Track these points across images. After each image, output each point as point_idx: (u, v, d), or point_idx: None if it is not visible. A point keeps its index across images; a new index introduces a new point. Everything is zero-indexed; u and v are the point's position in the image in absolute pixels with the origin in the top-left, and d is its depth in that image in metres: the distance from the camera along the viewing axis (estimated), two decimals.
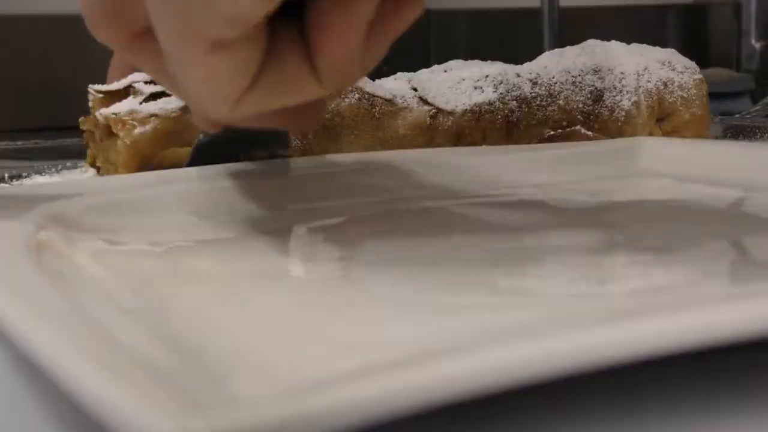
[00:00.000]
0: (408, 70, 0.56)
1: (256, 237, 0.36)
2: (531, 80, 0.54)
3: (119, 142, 0.49)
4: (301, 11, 0.26)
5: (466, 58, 0.58)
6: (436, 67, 0.56)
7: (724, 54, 1.33)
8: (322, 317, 0.26)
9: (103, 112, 0.50)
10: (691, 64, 0.57)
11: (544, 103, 0.53)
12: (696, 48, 1.31)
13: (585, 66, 0.55)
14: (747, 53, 1.32)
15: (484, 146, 0.52)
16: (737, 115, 0.84)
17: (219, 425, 0.16)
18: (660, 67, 0.56)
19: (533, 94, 0.54)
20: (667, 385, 0.22)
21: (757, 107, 0.88)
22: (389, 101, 0.52)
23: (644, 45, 0.58)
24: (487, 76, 0.54)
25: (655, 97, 0.55)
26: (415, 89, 0.53)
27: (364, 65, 0.27)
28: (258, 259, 0.33)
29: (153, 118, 0.49)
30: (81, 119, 0.55)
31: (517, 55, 0.62)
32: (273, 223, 0.38)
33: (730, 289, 0.29)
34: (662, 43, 0.59)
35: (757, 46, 1.31)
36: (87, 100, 0.54)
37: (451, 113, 0.52)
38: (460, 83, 0.54)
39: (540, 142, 0.53)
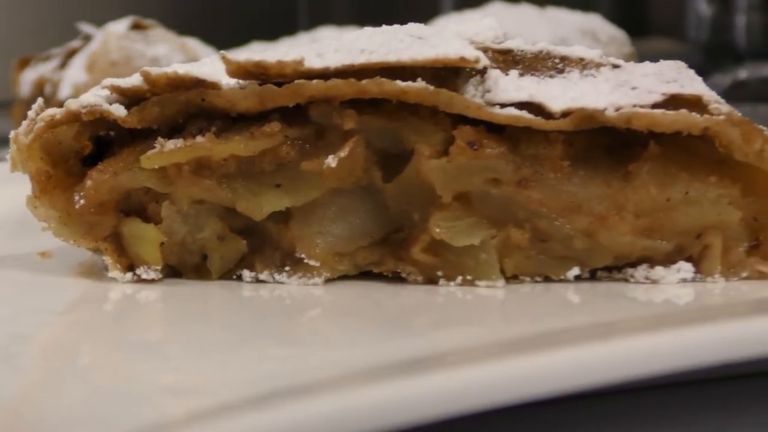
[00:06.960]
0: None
1: None
2: None
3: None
4: None
5: (345, 22, 0.48)
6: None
7: (667, 20, 1.22)
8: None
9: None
10: (620, 34, 0.50)
11: None
12: (631, 12, 1.20)
13: (487, 36, 0.45)
14: (694, 20, 1.20)
15: None
16: None
17: None
18: (581, 36, 0.47)
19: None
20: None
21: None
22: None
23: (563, 9, 0.49)
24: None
25: None
26: None
27: None
28: None
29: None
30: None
31: (410, 16, 0.52)
32: None
33: None
34: (588, 6, 0.50)
35: (708, 11, 1.19)
36: None
37: None
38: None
39: None
